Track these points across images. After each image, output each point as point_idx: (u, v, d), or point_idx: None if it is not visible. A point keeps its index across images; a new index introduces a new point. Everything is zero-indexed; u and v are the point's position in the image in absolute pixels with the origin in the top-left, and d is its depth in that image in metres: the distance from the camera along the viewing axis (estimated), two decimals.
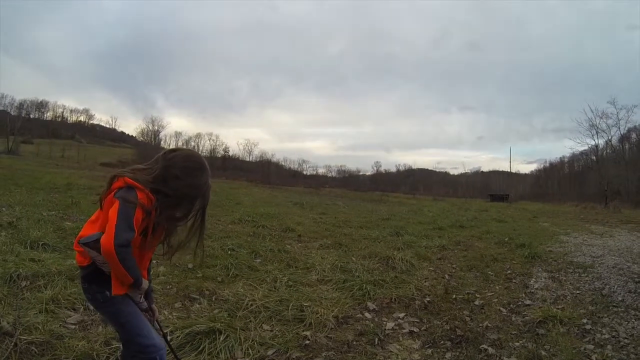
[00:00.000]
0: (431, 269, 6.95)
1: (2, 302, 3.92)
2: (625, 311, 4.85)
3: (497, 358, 3.67)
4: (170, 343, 3.44)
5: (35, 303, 3.92)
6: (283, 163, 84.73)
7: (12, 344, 3.16)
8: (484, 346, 3.85)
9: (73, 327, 3.66)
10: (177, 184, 2.22)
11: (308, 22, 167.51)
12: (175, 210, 2.27)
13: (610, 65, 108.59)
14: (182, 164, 2.25)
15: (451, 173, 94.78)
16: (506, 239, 9.95)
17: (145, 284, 2.24)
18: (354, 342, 3.88)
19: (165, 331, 3.60)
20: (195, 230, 2.40)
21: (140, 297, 2.28)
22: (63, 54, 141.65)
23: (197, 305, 4.48)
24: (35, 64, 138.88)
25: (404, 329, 4.28)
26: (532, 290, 5.76)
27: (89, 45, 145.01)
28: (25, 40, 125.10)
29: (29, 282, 4.43)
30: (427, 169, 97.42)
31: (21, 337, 3.25)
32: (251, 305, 4.44)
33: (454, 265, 7.27)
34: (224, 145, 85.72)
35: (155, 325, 2.46)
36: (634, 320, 4.53)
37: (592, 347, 3.87)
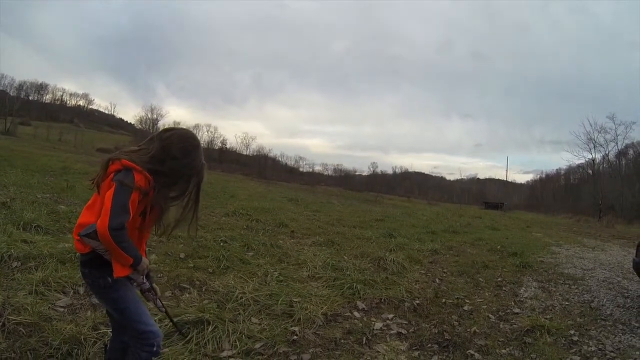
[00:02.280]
0: (422, 272, 6.96)
1: None
2: (613, 325, 4.88)
3: None
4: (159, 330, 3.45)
5: (25, 284, 3.92)
6: (280, 159, 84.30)
7: (0, 323, 3.15)
8: (471, 351, 3.86)
9: (62, 310, 3.66)
10: (175, 164, 2.23)
11: (315, 20, 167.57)
12: (172, 189, 2.29)
13: (611, 81, 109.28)
14: (179, 144, 2.25)
15: (447, 178, 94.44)
16: (498, 247, 9.95)
17: (145, 262, 2.24)
18: (342, 340, 3.89)
19: (154, 319, 3.61)
20: (191, 208, 2.42)
21: (142, 278, 2.29)
22: (65, 37, 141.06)
23: (187, 295, 4.48)
24: (37, 46, 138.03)
25: (392, 330, 4.29)
26: (522, 299, 5.78)
27: (93, 30, 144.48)
28: (28, 21, 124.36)
29: (20, 263, 4.43)
30: (424, 173, 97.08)
31: (10, 317, 3.25)
32: (241, 297, 4.45)
33: (445, 270, 7.28)
34: (221, 138, 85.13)
35: (158, 303, 2.49)
36: (621, 334, 4.56)
37: (578, 358, 3.90)
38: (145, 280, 2.33)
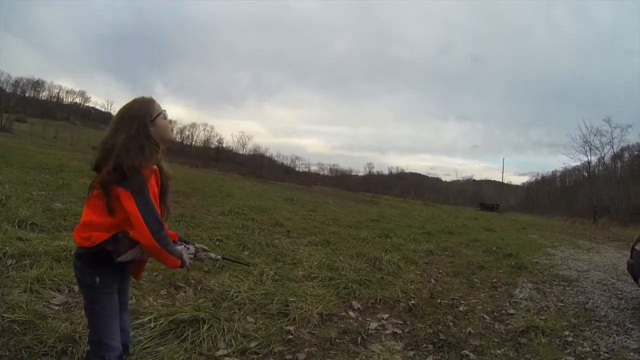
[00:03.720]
0: (417, 272, 6.97)
1: None
2: (607, 326, 4.91)
3: None
4: (153, 330, 3.45)
5: (20, 282, 3.91)
6: (276, 158, 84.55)
7: None
8: (466, 352, 3.87)
9: (57, 308, 3.65)
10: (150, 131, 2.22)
11: (315, 20, 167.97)
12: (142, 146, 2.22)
13: (608, 85, 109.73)
14: (143, 111, 2.23)
15: (443, 179, 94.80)
16: (494, 248, 9.99)
17: (184, 253, 2.30)
18: (337, 340, 3.89)
19: (148, 318, 3.61)
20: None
21: (189, 258, 2.36)
22: (63, 34, 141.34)
23: (183, 294, 4.47)
24: (35, 43, 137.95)
25: (387, 330, 4.29)
26: (517, 300, 5.80)
27: (91, 28, 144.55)
28: (27, 17, 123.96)
29: (14, 261, 4.41)
30: (420, 174, 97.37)
31: (4, 315, 3.25)
32: (236, 296, 4.45)
33: (440, 271, 7.30)
34: (218, 137, 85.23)
35: (212, 256, 2.58)
36: (615, 335, 4.59)
37: (572, 359, 3.92)
38: (191, 249, 2.42)
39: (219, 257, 2.67)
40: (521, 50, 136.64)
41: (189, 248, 2.41)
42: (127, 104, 2.25)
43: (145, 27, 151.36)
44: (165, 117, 2.28)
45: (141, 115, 2.19)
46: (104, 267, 2.13)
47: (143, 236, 2.03)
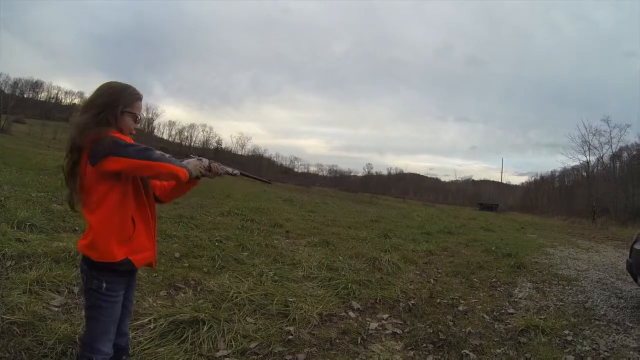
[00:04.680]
0: (417, 272, 6.98)
1: None
2: (606, 325, 4.91)
3: None
4: (153, 331, 3.45)
5: (20, 283, 3.90)
6: (275, 159, 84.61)
7: None
8: (466, 351, 3.87)
9: (56, 309, 3.64)
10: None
11: (314, 21, 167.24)
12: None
13: (606, 87, 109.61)
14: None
15: (442, 180, 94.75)
16: (493, 248, 9.97)
17: (191, 163, 2.31)
18: (337, 340, 3.89)
19: (148, 319, 3.61)
20: None
21: (200, 168, 2.37)
22: (62, 35, 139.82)
23: (182, 295, 4.47)
24: (34, 43, 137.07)
25: (387, 330, 4.29)
26: (516, 299, 5.80)
27: (90, 28, 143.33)
28: (26, 17, 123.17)
29: (14, 262, 4.41)
30: (419, 174, 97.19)
31: (4, 316, 3.24)
32: (236, 297, 4.44)
33: (439, 270, 7.30)
34: (217, 138, 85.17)
35: (230, 170, 2.57)
36: (614, 334, 4.59)
37: (572, 358, 3.91)
38: (204, 162, 2.41)
39: (236, 171, 2.63)
40: (521, 51, 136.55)
41: (201, 160, 2.41)
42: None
43: (143, 28, 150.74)
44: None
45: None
46: (111, 273, 2.12)
47: (148, 171, 2.09)
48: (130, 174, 2.11)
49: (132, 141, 2.11)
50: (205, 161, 2.42)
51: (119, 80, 2.31)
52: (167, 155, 2.16)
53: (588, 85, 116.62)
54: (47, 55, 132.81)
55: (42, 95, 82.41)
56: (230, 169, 2.57)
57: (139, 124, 2.35)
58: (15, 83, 73.23)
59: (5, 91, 65.17)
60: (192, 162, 2.33)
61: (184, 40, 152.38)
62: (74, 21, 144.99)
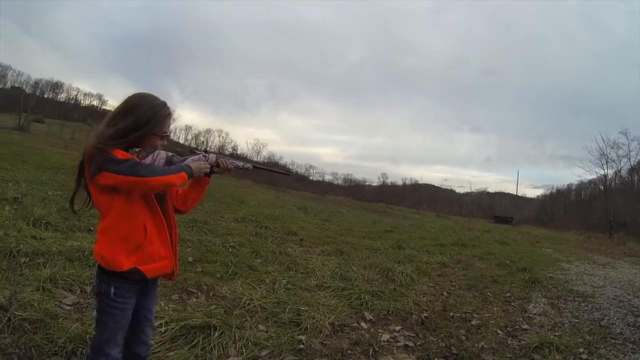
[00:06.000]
0: (430, 284, 6.91)
1: (0, 275, 3.93)
2: (622, 344, 4.81)
3: None
4: (164, 335, 3.44)
5: (33, 280, 3.93)
6: (290, 167, 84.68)
7: (6, 318, 3.16)
8: None
9: (68, 308, 3.66)
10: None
11: (331, 30, 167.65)
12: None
13: (623, 97, 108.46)
14: None
15: (457, 191, 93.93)
16: (507, 262, 9.86)
17: (194, 164, 2.28)
18: (348, 351, 3.86)
19: (159, 322, 3.60)
20: None
21: (205, 166, 2.34)
22: (82, 37, 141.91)
23: (194, 300, 4.47)
24: (54, 45, 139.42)
25: (399, 342, 4.25)
26: (530, 315, 5.72)
27: (110, 31, 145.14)
28: (46, 20, 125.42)
29: (28, 259, 4.45)
30: (433, 185, 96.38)
31: (16, 312, 3.25)
32: (248, 304, 4.43)
33: (453, 283, 7.23)
34: (232, 143, 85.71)
35: (238, 164, 2.53)
36: (630, 354, 4.49)
37: None
38: (210, 158, 2.37)
39: (248, 165, 2.59)
40: (536, 61, 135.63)
41: (206, 157, 2.36)
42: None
43: (162, 31, 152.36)
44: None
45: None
46: (120, 279, 2.09)
47: (143, 187, 2.04)
48: (126, 190, 2.05)
49: (129, 156, 2.07)
50: (212, 157, 2.38)
51: (148, 92, 2.27)
52: (172, 162, 2.17)
53: (604, 95, 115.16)
54: (66, 56, 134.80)
55: (62, 96, 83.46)
56: (241, 163, 2.53)
57: (166, 142, 2.32)
58: (36, 83, 74.47)
59: (27, 91, 66.26)
60: (195, 161, 2.30)
61: (201, 45, 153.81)
62: (93, 24, 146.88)
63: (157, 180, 2.03)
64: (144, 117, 2.15)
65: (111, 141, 2.05)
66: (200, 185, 2.44)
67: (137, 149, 2.16)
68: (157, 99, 2.25)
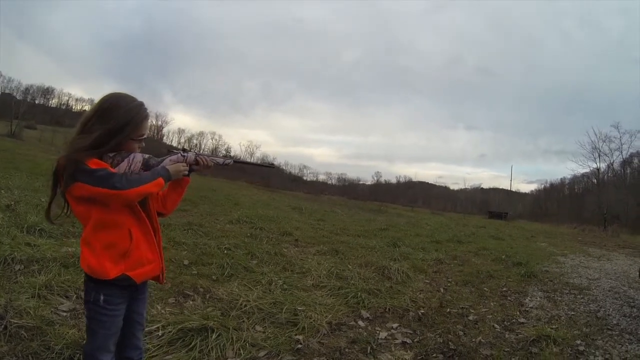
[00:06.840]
0: (426, 281, 6.92)
1: None
2: (619, 334, 4.83)
3: None
4: (161, 338, 3.44)
5: (28, 288, 3.92)
6: (284, 167, 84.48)
7: (2, 326, 3.15)
8: None
9: (64, 314, 3.65)
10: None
11: (325, 30, 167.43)
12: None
13: (616, 93, 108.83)
14: None
15: (451, 188, 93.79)
16: (503, 257, 9.88)
17: (171, 168, 2.23)
18: (346, 350, 3.86)
19: (156, 326, 3.59)
20: None
21: (184, 168, 2.30)
22: (73, 42, 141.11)
23: (191, 302, 4.47)
24: (45, 50, 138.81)
25: (397, 339, 4.25)
26: (527, 309, 5.74)
27: (101, 35, 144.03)
28: (37, 24, 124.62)
29: (23, 266, 4.44)
30: (428, 182, 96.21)
31: (12, 320, 3.24)
32: (245, 305, 4.43)
33: (449, 279, 7.24)
34: (226, 145, 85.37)
35: (219, 160, 2.48)
36: (627, 344, 4.52)
37: None
38: (189, 156, 2.33)
39: (229, 160, 2.51)
40: (530, 59, 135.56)
41: (185, 156, 2.31)
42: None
43: (154, 34, 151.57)
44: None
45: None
46: (109, 287, 2.06)
47: (118, 200, 1.98)
48: (101, 201, 1.98)
49: (104, 165, 2.00)
50: (191, 155, 2.34)
51: (125, 92, 2.21)
52: (149, 164, 2.14)
53: (598, 91, 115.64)
54: (59, 61, 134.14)
55: (53, 102, 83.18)
56: (221, 160, 2.48)
57: (143, 144, 2.27)
58: (27, 89, 74.02)
59: (17, 97, 65.87)
60: (173, 161, 2.27)
61: (193, 47, 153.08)
62: (83, 27, 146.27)
63: (132, 192, 1.96)
64: (120, 122, 2.08)
65: (84, 151, 1.98)
66: (180, 186, 2.38)
67: (112, 154, 2.09)
68: (133, 100, 2.18)
